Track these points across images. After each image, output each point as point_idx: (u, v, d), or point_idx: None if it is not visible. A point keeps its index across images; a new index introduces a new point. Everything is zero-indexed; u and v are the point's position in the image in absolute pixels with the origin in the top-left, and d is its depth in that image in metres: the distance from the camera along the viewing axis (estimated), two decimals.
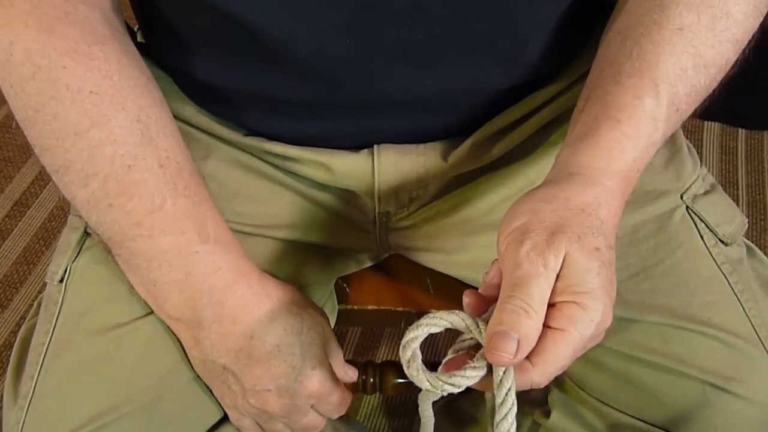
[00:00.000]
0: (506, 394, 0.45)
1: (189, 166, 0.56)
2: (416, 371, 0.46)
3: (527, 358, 0.45)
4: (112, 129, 0.53)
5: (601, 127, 0.50)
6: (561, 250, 0.45)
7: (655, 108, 0.51)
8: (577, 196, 0.48)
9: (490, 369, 0.45)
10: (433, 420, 0.56)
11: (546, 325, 0.45)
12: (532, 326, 0.44)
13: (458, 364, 0.47)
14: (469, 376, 0.45)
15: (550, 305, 0.45)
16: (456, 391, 0.45)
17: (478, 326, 0.46)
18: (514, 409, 0.45)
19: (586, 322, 0.45)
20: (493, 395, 0.45)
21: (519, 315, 0.44)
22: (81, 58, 0.53)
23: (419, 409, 0.55)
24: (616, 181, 0.49)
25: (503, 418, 0.45)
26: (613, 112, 0.51)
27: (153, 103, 0.56)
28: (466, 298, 0.49)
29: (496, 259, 0.49)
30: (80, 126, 0.52)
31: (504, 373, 0.45)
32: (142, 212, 0.53)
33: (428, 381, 0.45)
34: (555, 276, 0.45)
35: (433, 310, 0.48)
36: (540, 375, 0.45)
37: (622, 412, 0.62)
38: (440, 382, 0.45)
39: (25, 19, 0.52)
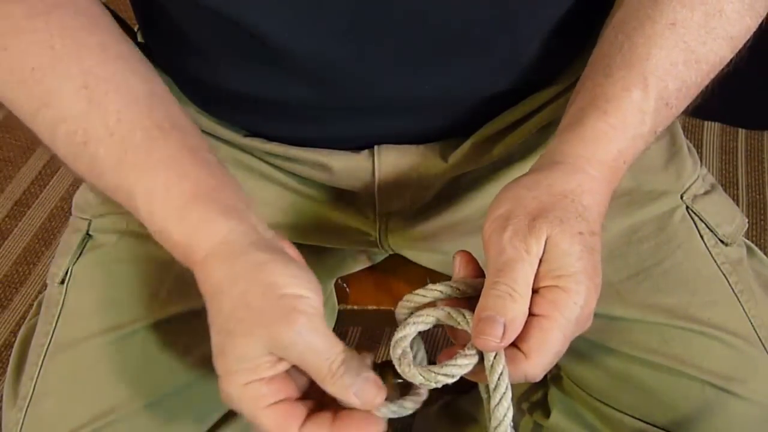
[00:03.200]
0: (499, 379, 0.45)
1: (145, 122, 0.48)
2: (408, 367, 0.46)
3: (518, 348, 0.45)
4: (59, 104, 0.48)
5: (587, 117, 0.51)
6: (542, 234, 0.46)
7: (642, 100, 0.51)
8: (559, 182, 0.48)
9: (481, 357, 0.46)
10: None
11: (531, 313, 0.45)
12: (517, 310, 0.45)
13: (450, 357, 0.47)
14: (461, 365, 0.45)
15: (534, 291, 0.46)
16: (450, 381, 0.45)
17: (465, 317, 0.47)
18: (509, 393, 0.45)
19: (570, 305, 0.45)
20: (487, 386, 0.46)
21: (504, 299, 0.44)
22: (21, 34, 0.49)
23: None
24: (601, 170, 0.50)
25: (498, 403, 0.45)
26: (600, 103, 0.51)
27: (104, 61, 0.49)
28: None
29: (458, 252, 0.50)
30: (31, 109, 0.49)
31: (494, 357, 0.45)
32: (113, 189, 0.49)
33: (421, 375, 0.46)
34: (538, 260, 0.46)
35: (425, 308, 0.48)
36: (533, 366, 0.45)
37: (622, 412, 0.62)
38: (433, 374, 0.46)
39: None
